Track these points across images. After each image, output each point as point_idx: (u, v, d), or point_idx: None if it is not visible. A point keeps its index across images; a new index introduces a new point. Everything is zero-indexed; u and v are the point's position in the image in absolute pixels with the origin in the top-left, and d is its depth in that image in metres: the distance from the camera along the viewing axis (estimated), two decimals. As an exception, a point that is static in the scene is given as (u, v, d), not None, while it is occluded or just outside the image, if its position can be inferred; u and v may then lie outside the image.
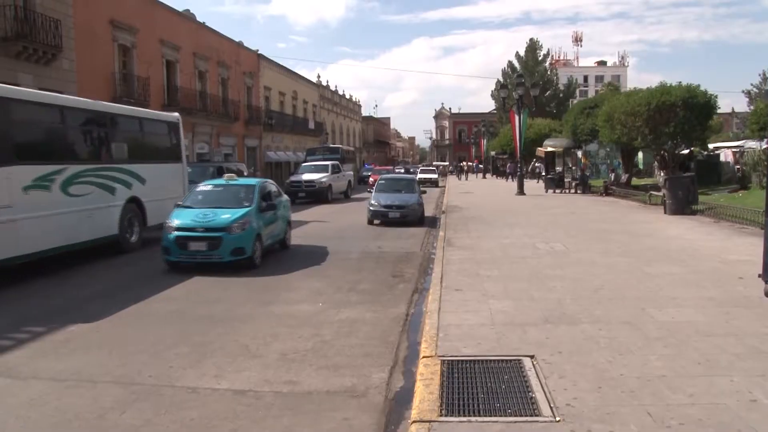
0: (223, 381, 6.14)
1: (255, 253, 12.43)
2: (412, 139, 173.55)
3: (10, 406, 5.60)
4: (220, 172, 21.13)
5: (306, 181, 31.72)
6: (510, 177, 51.24)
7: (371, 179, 40.77)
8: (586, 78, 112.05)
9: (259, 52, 49.50)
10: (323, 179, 32.14)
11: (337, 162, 36.47)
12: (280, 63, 55.92)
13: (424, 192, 23.91)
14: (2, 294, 10.46)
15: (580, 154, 40.81)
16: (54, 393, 5.89)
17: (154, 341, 7.54)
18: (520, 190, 31.23)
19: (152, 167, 16.57)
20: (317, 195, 31.36)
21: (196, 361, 6.73)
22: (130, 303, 9.58)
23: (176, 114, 19.49)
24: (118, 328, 8.24)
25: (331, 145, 51.78)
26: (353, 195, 37.37)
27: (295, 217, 18.09)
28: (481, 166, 72.32)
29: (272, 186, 15.06)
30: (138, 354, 7.05)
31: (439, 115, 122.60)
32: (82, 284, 11.36)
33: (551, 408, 4.87)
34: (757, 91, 68.12)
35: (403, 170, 57.02)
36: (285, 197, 15.72)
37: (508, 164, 55.31)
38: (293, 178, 33.26)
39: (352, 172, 39.23)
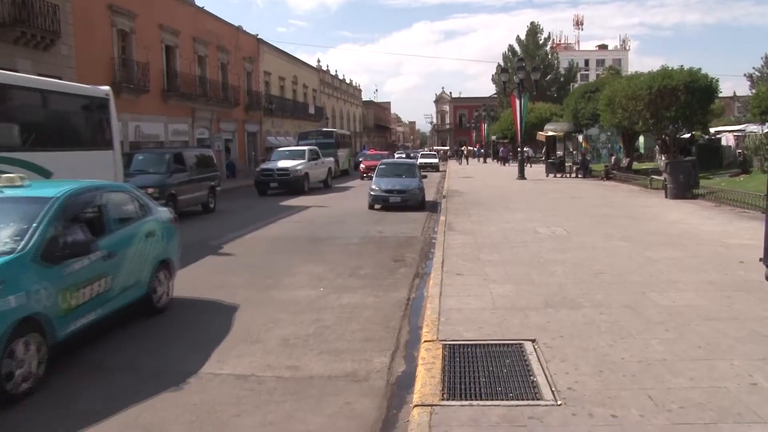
0: (225, 366, 6.16)
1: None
2: (412, 123, 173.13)
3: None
4: (179, 161, 19.62)
5: (279, 170, 27.89)
6: (503, 161, 52.21)
7: (362, 166, 39.16)
8: (587, 62, 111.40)
9: (258, 37, 49.25)
10: (299, 167, 28.14)
11: (315, 147, 32.98)
12: (280, 48, 55.78)
13: (425, 177, 23.83)
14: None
15: (581, 138, 40.75)
16: (57, 378, 5.91)
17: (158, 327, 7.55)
18: (521, 175, 31.17)
19: (65, 156, 13.38)
20: (292, 185, 27.61)
21: (198, 347, 6.75)
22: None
23: (106, 88, 16.45)
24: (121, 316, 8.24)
25: (325, 129, 49.54)
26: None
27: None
28: (482, 150, 72.04)
29: (114, 196, 7.78)
30: (141, 339, 7.06)
31: (439, 100, 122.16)
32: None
33: (553, 392, 4.89)
34: (759, 74, 67.84)
35: (404, 155, 56.52)
36: (158, 215, 8.52)
37: (501, 149, 55.90)
38: (264, 166, 29.53)
39: (333, 159, 35.21)
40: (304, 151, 30.52)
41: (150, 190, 15.13)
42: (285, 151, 31.54)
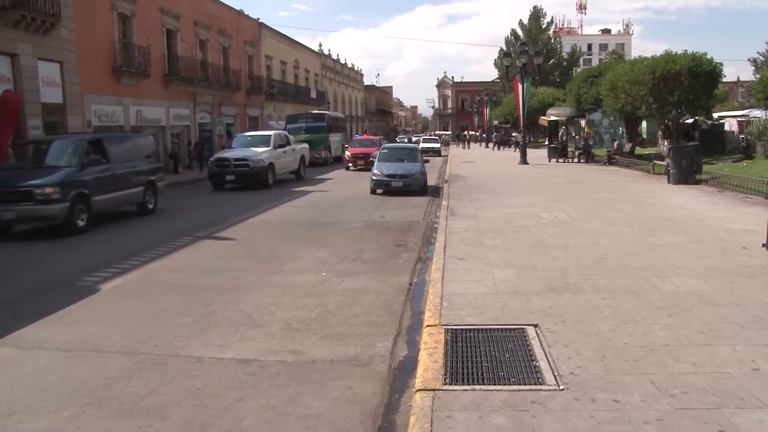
0: (228, 350, 6.17)
1: None
2: (414, 108, 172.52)
3: (17, 376, 5.63)
4: (98, 150, 15.12)
5: (236, 160, 23.18)
6: (496, 146, 53.78)
7: (347, 153, 33.87)
8: (590, 46, 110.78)
9: (260, 21, 48.99)
10: (261, 156, 23.45)
11: (284, 132, 28.74)
12: (282, 32, 55.47)
13: (427, 161, 23.80)
14: (4, 265, 10.49)
15: (583, 123, 40.58)
16: (60, 363, 5.93)
17: (159, 311, 7.56)
18: (523, 160, 31.10)
19: None
20: (252, 178, 23.07)
21: (201, 331, 6.76)
22: (134, 273, 9.61)
23: None
24: (122, 299, 8.27)
25: (316, 111, 44.37)
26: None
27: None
28: (485, 135, 71.74)
29: None
30: (142, 324, 7.07)
31: (441, 84, 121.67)
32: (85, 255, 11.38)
33: (555, 376, 4.89)
34: (763, 59, 67.44)
35: (406, 140, 56.09)
36: None
37: (494, 133, 56.89)
38: (219, 155, 24.72)
39: (307, 145, 30.35)
40: (269, 136, 25.78)
41: (48, 190, 12.91)
42: (247, 137, 26.92)
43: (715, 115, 33.67)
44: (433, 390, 4.75)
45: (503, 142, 53.70)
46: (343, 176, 29.31)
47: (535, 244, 10.21)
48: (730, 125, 33.89)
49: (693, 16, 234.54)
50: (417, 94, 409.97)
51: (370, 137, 41.35)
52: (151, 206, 16.97)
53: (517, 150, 46.73)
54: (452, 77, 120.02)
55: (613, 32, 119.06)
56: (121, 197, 15.70)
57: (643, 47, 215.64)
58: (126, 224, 15.29)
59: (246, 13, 46.40)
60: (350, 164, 32.56)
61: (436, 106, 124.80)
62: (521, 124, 35.28)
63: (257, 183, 23.05)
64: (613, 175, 24.18)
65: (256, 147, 24.29)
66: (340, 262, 10.22)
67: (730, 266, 8.36)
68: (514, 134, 54.41)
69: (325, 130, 38.91)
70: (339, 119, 49.04)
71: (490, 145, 61.31)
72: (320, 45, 74.99)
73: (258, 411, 4.86)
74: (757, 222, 11.05)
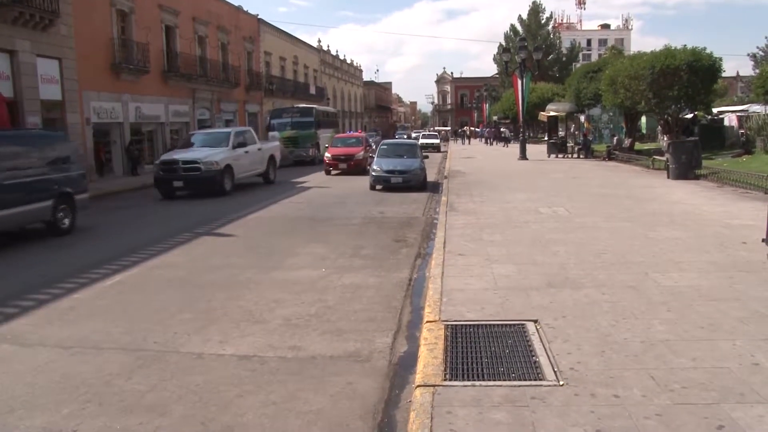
0: (228, 347, 6.17)
1: None
2: (413, 104, 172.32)
3: (17, 373, 5.64)
4: None
5: (185, 162, 19.51)
6: (487, 141, 55.26)
7: (327, 155, 27.61)
8: (589, 41, 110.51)
9: (259, 17, 48.91)
10: (216, 158, 19.77)
11: (247, 129, 24.43)
12: (281, 28, 55.44)
13: (427, 157, 23.76)
14: (4, 261, 10.48)
15: (582, 118, 40.54)
16: (60, 360, 5.93)
17: (159, 308, 7.57)
18: (523, 155, 31.08)
19: None
20: (204, 185, 19.53)
21: (201, 327, 6.76)
22: (133, 270, 9.62)
23: None
24: (123, 295, 8.27)
25: (302, 105, 40.21)
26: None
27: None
28: (485, 131, 71.64)
29: None
30: (143, 321, 7.08)
31: (440, 80, 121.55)
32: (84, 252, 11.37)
33: (555, 372, 4.90)
34: (762, 54, 67.34)
35: (405, 136, 55.84)
36: None
37: (486, 129, 57.79)
38: (167, 156, 20.76)
39: (277, 143, 27.10)
40: (227, 134, 21.70)
41: None
42: (201, 135, 23.18)
43: (715, 110, 33.66)
44: (433, 386, 4.75)
45: (494, 137, 54.80)
46: (321, 181, 24.59)
47: (535, 240, 10.20)
48: (730, 120, 33.84)
49: (692, 10, 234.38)
50: (416, 90, 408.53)
51: (355, 134, 34.66)
52: (65, 225, 13.27)
53: (507, 145, 47.60)
54: (451, 73, 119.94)
55: (612, 27, 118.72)
56: (18, 216, 12.05)
57: (643, 42, 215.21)
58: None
59: (245, 9, 46.35)
60: (330, 167, 26.90)
61: (436, 101, 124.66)
62: (521, 119, 35.24)
63: (211, 190, 19.52)
64: (613, 170, 24.17)
65: (211, 147, 20.55)
66: (340, 258, 10.22)
67: (729, 261, 8.36)
68: (502, 129, 55.83)
69: (314, 125, 35.91)
70: (330, 114, 45.28)
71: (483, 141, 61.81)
72: (319, 41, 75.26)
73: (258, 407, 4.87)
74: (756, 217, 11.05)
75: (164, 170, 19.78)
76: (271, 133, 34.49)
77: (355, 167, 26.12)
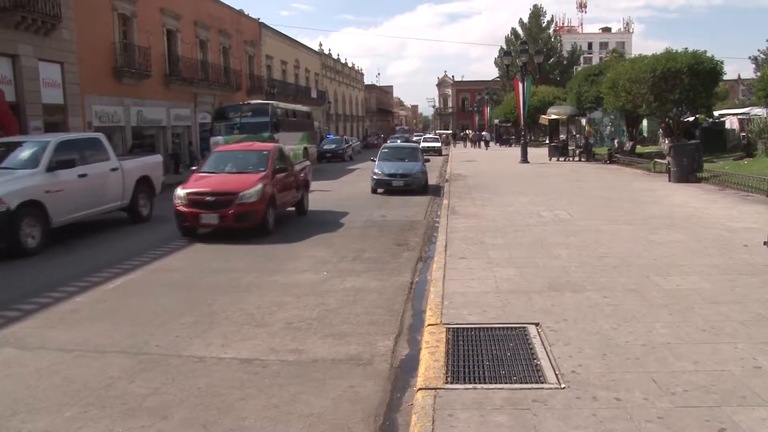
0: (230, 350, 6.18)
1: None
2: (415, 107, 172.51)
3: (20, 377, 5.64)
4: None
5: None
6: (476, 144, 57.01)
7: (179, 192, 12.46)
8: (590, 45, 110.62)
9: (260, 21, 49.00)
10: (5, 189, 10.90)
11: (93, 137, 14.74)
12: (282, 31, 55.51)
13: (428, 160, 23.77)
14: (6, 266, 10.50)
15: (584, 121, 40.58)
16: (62, 363, 5.93)
17: (161, 311, 7.57)
18: (524, 158, 31.10)
19: None
20: None
21: (203, 331, 6.77)
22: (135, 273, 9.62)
23: None
24: (124, 299, 8.27)
25: (255, 102, 30.61)
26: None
27: None
28: (486, 134, 71.60)
29: None
30: (144, 324, 7.07)
31: (442, 83, 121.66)
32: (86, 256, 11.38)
33: (556, 375, 4.89)
34: (764, 57, 67.37)
35: (399, 140, 55.61)
36: None
37: (474, 133, 62.23)
38: None
39: (158, 157, 17.33)
40: (42, 145, 12.54)
41: None
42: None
43: (716, 113, 33.69)
44: (435, 389, 4.75)
45: (477, 140, 57.08)
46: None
47: (536, 243, 10.20)
48: (731, 123, 33.86)
49: (694, 14, 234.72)
50: (418, 94, 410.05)
51: (257, 146, 15.74)
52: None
53: (488, 147, 50.98)
54: (453, 76, 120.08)
55: (613, 31, 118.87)
56: None
57: (645, 46, 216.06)
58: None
59: (246, 12, 46.44)
60: (187, 223, 12.54)
61: (437, 105, 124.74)
62: (522, 122, 35.25)
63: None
64: (614, 173, 24.16)
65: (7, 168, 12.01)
66: (341, 261, 10.22)
67: (731, 264, 8.35)
68: (483, 133, 59.07)
69: (269, 127, 26.28)
70: (299, 113, 33.32)
71: (468, 144, 62.52)
72: (321, 44, 75.26)
73: (260, 410, 4.87)
74: (758, 220, 11.07)
75: None
76: (213, 140, 26.59)
77: (236, 220, 12.26)
